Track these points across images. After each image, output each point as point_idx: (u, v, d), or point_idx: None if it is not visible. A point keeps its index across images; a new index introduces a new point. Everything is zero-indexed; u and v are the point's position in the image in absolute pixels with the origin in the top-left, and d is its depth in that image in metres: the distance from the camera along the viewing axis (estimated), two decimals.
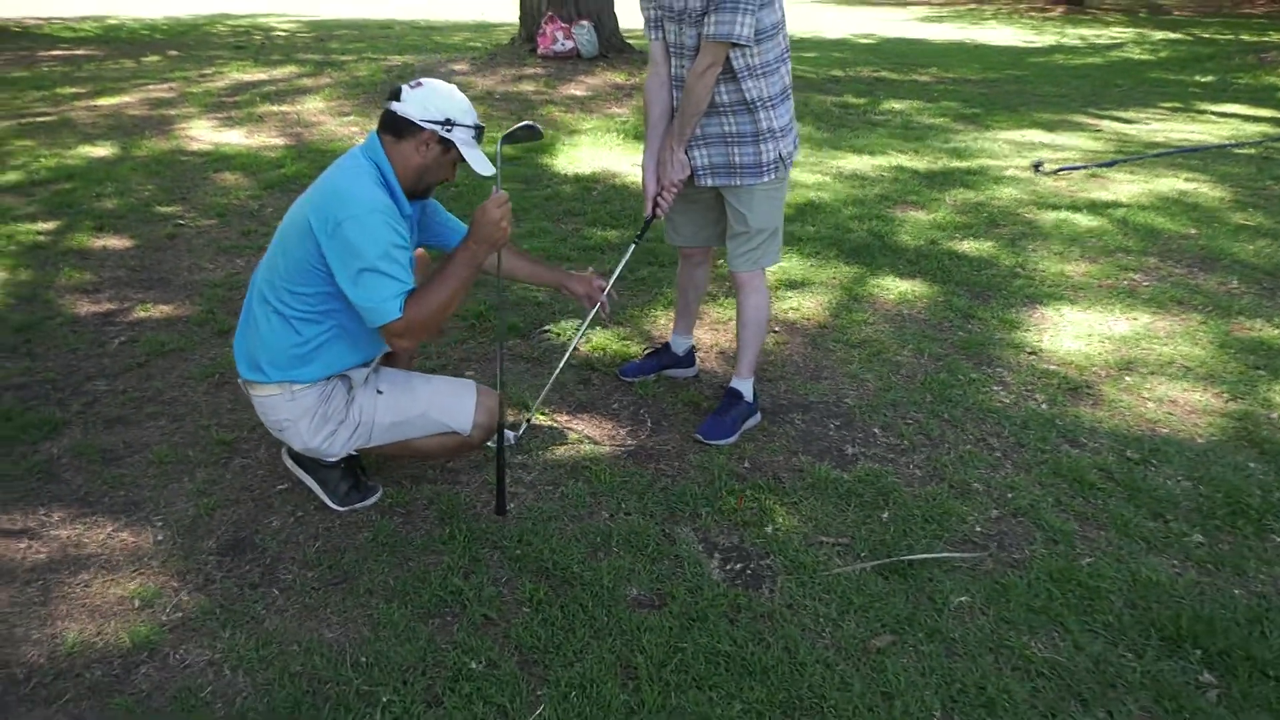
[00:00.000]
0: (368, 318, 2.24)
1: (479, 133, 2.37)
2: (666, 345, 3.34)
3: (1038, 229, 5.02)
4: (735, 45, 2.52)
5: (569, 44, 9.26)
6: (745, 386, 3.01)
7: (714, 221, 2.98)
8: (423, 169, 2.33)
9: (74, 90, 9.01)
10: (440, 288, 2.26)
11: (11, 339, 3.56)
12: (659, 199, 2.82)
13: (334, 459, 2.53)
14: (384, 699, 1.94)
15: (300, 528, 2.50)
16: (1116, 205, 5.44)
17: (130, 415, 3.05)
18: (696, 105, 2.63)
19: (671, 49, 2.69)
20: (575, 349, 3.34)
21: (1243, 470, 2.85)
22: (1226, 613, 2.26)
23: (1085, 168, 6.36)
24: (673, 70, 2.72)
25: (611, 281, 2.88)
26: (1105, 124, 8.25)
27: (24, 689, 1.96)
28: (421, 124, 2.26)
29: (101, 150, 6.54)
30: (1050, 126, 8.03)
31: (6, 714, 1.89)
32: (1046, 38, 15.63)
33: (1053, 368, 3.49)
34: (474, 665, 2.03)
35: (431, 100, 2.27)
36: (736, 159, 2.73)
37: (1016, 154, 6.86)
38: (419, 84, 2.30)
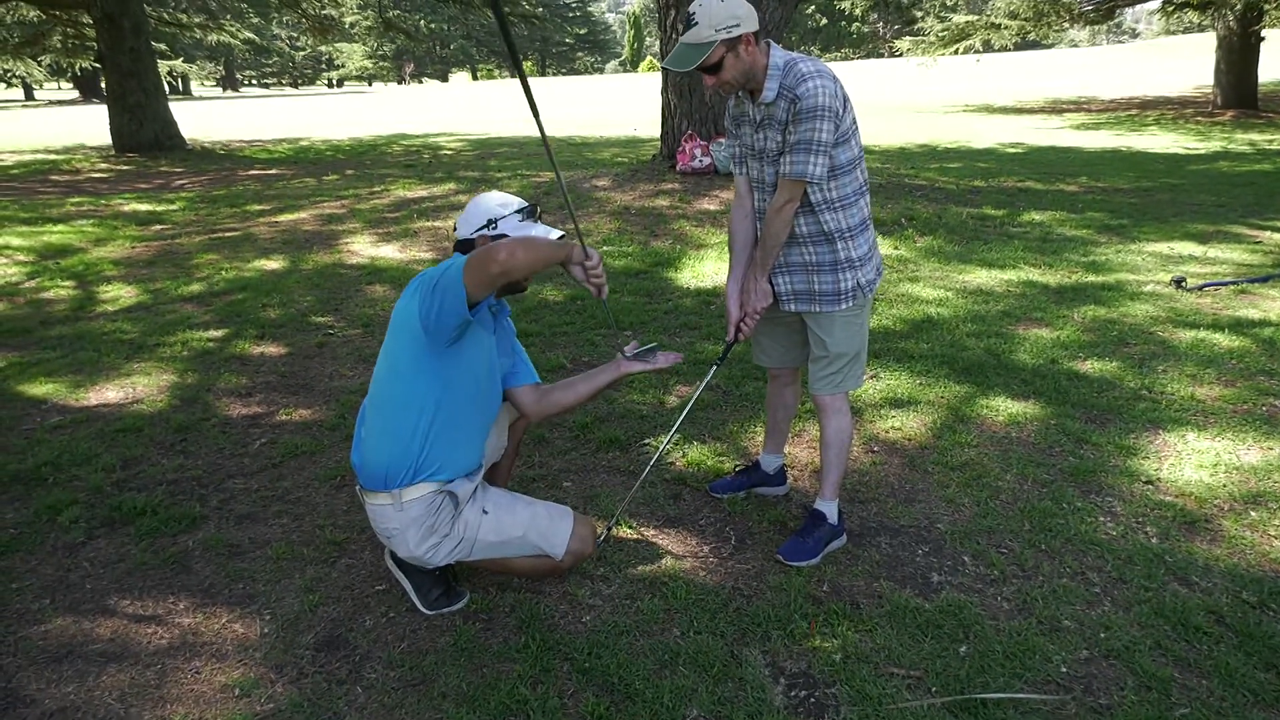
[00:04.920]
0: (458, 306, 2.34)
1: (527, 211, 2.67)
2: (757, 463, 3.39)
3: (1171, 349, 4.80)
4: (810, 182, 2.64)
5: (706, 160, 9.65)
6: (829, 508, 3.02)
7: (799, 344, 3.06)
8: None
9: (260, 207, 10.04)
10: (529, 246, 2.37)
11: (171, 437, 3.98)
12: (741, 324, 2.93)
13: (434, 567, 2.70)
14: None
15: (390, 628, 2.67)
16: (1265, 324, 5.15)
17: (259, 513, 3.35)
18: (775, 238, 2.75)
19: (754, 184, 2.84)
20: (659, 462, 3.43)
21: None
22: None
23: (1235, 283, 6.05)
24: (755, 203, 2.86)
25: (693, 399, 2.98)
26: (1266, 235, 7.82)
27: None
28: (473, 236, 2.62)
29: (274, 264, 7.26)
30: (1203, 239, 7.68)
31: None
32: (1212, 144, 14.98)
33: (1169, 499, 3.32)
34: None
35: (471, 215, 2.68)
36: (816, 286, 2.82)
37: (1160, 268, 6.60)
38: (462, 214, 2.70)
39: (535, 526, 2.65)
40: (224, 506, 3.40)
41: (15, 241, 8.24)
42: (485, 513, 2.62)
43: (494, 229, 2.61)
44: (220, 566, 3.00)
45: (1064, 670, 2.46)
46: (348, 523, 3.25)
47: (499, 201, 2.67)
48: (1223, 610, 2.69)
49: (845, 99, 2.65)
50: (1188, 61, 33.09)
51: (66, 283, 6.80)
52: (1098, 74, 35.67)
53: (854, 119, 2.71)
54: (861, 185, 2.78)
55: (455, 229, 2.70)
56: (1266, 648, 2.52)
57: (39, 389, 4.59)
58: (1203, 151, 13.95)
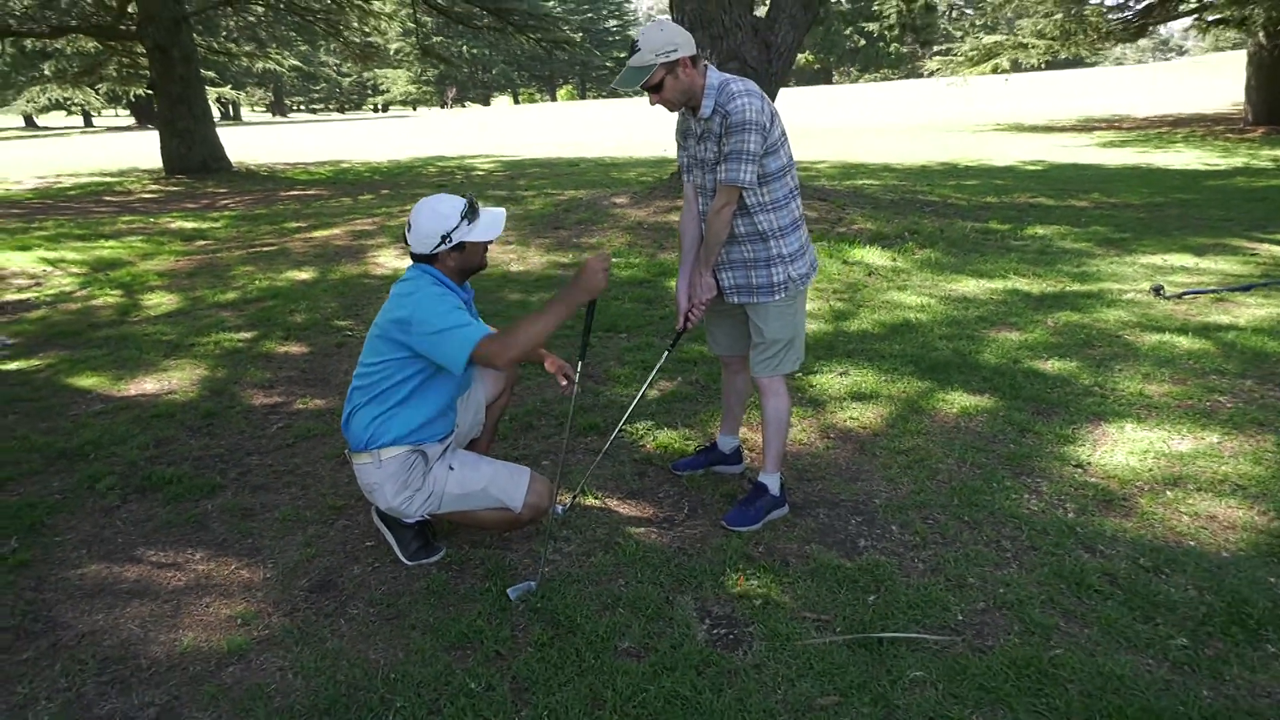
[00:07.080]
0: (454, 368, 2.78)
1: (470, 211, 2.89)
2: (715, 444, 3.74)
3: (1133, 350, 5.06)
4: (743, 187, 3.01)
5: None
6: (772, 480, 3.36)
7: (744, 334, 3.41)
8: (459, 267, 2.96)
9: (297, 224, 10.62)
10: (534, 323, 2.75)
11: (199, 421, 4.44)
12: (689, 314, 3.30)
13: (411, 519, 3.09)
14: (398, 704, 2.42)
15: (374, 575, 3.07)
16: (1231, 329, 5.38)
17: (271, 483, 3.78)
18: (716, 237, 3.12)
19: (698, 189, 3.22)
20: (630, 441, 3.80)
21: (1260, 584, 2.87)
22: (1184, 709, 2.35)
23: (1214, 291, 6.27)
24: (700, 207, 3.24)
25: (650, 379, 3.35)
26: (1265, 248, 7.98)
27: (145, 674, 2.58)
28: (433, 252, 2.89)
29: (304, 275, 7.77)
30: (1200, 251, 7.87)
31: (130, 690, 2.51)
32: (1234, 160, 15.04)
33: (1094, 480, 3.60)
34: (474, 686, 2.48)
35: (424, 232, 2.86)
36: (754, 280, 3.18)
37: (1147, 279, 6.82)
38: (410, 226, 2.92)
39: (496, 481, 3.02)
40: (241, 478, 3.83)
41: (70, 255, 8.87)
42: (451, 469, 3.01)
43: (450, 243, 2.87)
44: (234, 526, 3.43)
45: (960, 618, 2.78)
46: (347, 492, 3.66)
47: (444, 213, 2.84)
48: (1118, 573, 2.98)
49: (773, 114, 3.02)
50: (1230, 78, 32.76)
51: (115, 291, 7.37)
52: (1137, 92, 35.51)
53: (783, 131, 3.07)
54: (792, 189, 3.14)
55: (409, 241, 2.90)
56: (1149, 604, 2.81)
57: (85, 381, 5.09)
58: (1223, 167, 14.02)
